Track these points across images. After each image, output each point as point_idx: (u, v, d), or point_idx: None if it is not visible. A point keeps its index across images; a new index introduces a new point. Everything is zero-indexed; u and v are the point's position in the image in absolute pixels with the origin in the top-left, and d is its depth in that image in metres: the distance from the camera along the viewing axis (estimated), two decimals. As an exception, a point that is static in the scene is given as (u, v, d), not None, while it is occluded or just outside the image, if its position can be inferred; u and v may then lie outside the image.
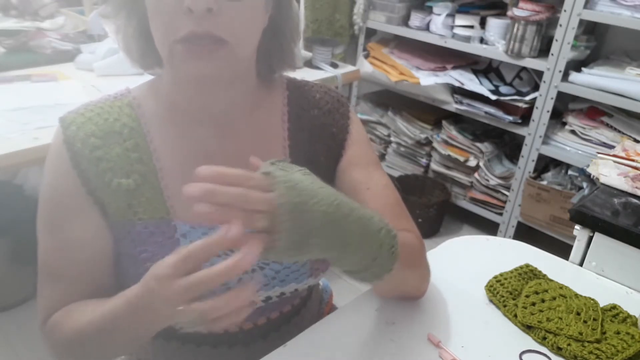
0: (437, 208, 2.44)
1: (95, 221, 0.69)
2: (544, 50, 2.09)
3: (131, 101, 0.73)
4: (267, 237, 0.52)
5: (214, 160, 0.72)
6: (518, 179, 2.25)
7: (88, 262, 0.70)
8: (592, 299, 0.83)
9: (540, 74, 2.10)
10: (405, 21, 2.50)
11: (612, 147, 1.90)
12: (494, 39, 2.20)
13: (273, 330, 0.79)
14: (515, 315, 0.81)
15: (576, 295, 0.85)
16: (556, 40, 1.99)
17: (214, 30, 0.60)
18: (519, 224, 2.30)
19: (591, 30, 2.13)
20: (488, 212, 2.43)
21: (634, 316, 0.82)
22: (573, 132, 2.11)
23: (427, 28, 2.41)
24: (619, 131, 1.98)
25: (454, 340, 0.76)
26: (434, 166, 2.56)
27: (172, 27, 0.61)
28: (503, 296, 0.84)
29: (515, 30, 2.06)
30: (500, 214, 2.37)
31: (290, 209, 0.52)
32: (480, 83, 2.30)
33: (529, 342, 0.78)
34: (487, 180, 2.36)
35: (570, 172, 2.10)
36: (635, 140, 1.84)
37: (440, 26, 2.32)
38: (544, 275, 0.90)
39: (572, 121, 2.09)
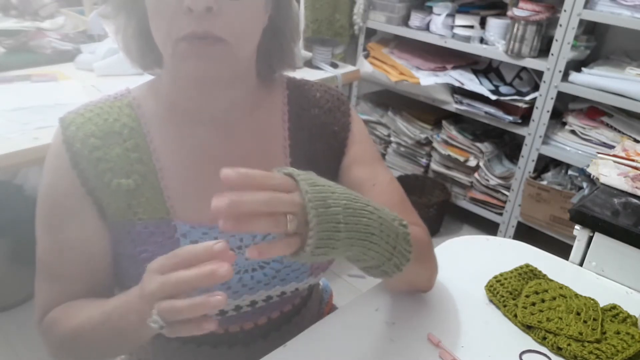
0: (437, 208, 2.44)
1: (93, 221, 0.69)
2: (544, 50, 2.09)
3: (131, 101, 0.73)
4: (296, 239, 0.52)
5: (214, 160, 0.73)
6: (518, 179, 2.25)
7: (86, 261, 0.70)
8: (592, 299, 0.83)
9: (540, 74, 2.10)
10: (405, 21, 2.50)
11: (612, 147, 1.90)
12: (494, 39, 2.20)
13: (273, 330, 0.79)
14: (515, 315, 0.81)
15: (576, 295, 0.85)
16: (556, 40, 1.99)
17: (213, 30, 0.60)
18: (519, 224, 2.30)
19: (591, 30, 2.13)
20: (488, 212, 2.43)
21: (634, 316, 0.82)
22: (573, 132, 2.11)
23: (427, 28, 2.41)
24: (619, 131, 1.98)
25: (454, 340, 0.76)
26: (434, 166, 2.56)
27: (172, 27, 0.61)
28: (503, 296, 0.84)
29: (515, 30, 2.06)
30: (500, 214, 2.37)
31: (317, 205, 0.53)
32: (480, 83, 2.30)
33: (529, 342, 0.78)
34: (487, 180, 2.36)
35: (570, 172, 2.10)
36: (635, 140, 1.84)
37: (440, 26, 2.32)
38: (544, 275, 0.90)
39: (572, 121, 2.09)
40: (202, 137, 0.72)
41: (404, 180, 2.58)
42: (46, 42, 1.77)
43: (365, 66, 2.54)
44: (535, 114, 2.13)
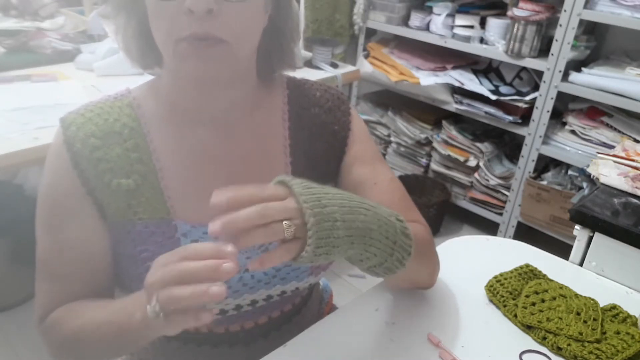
0: (437, 208, 2.44)
1: (93, 221, 0.69)
2: (544, 50, 2.09)
3: (131, 101, 0.73)
4: (295, 243, 0.53)
5: (215, 160, 0.73)
6: (518, 179, 2.25)
7: (86, 261, 0.70)
8: (592, 299, 0.83)
9: (540, 74, 2.10)
10: (405, 21, 2.50)
11: (612, 147, 1.90)
12: (494, 39, 2.20)
13: (274, 329, 0.79)
14: (515, 315, 0.81)
15: (576, 295, 0.85)
16: (556, 40, 1.99)
17: (214, 31, 0.60)
18: (519, 224, 2.30)
19: (591, 30, 2.13)
20: (488, 212, 2.43)
21: (634, 316, 0.82)
22: (573, 132, 2.10)
23: (427, 28, 2.41)
24: (619, 131, 1.98)
25: (454, 340, 0.76)
26: (434, 166, 2.56)
27: (172, 27, 0.61)
28: (503, 296, 0.84)
29: (515, 30, 2.06)
30: (500, 214, 2.37)
31: (313, 205, 0.53)
32: (480, 83, 2.30)
33: (529, 342, 0.78)
34: (487, 180, 2.36)
35: (570, 172, 2.10)
36: (635, 140, 1.84)
37: (440, 26, 2.32)
38: (544, 275, 0.90)
39: (572, 121, 2.09)
40: (202, 136, 0.72)
41: (404, 180, 2.57)
42: (46, 42, 1.77)
43: (365, 66, 2.54)
44: (535, 114, 2.13)
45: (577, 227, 1.07)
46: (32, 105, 1.37)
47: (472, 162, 2.39)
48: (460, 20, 2.27)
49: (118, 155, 0.69)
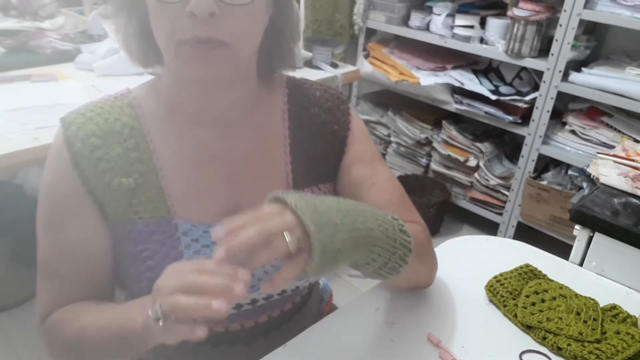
0: (437, 208, 2.44)
1: (94, 221, 0.69)
2: (544, 50, 2.09)
3: (131, 101, 0.73)
4: (301, 256, 0.53)
5: (215, 159, 0.73)
6: (518, 179, 2.25)
7: (86, 262, 0.70)
8: (592, 299, 0.83)
9: (540, 74, 2.10)
10: (405, 21, 2.50)
11: (612, 147, 1.90)
12: (494, 39, 2.20)
13: (274, 329, 0.79)
14: (515, 315, 0.81)
15: (576, 295, 0.85)
16: (556, 40, 1.99)
17: (216, 34, 0.60)
18: (519, 224, 2.30)
19: (591, 30, 2.12)
20: (488, 212, 2.43)
21: (634, 316, 0.82)
22: (573, 132, 2.10)
23: (427, 28, 2.41)
24: (619, 131, 1.98)
25: (454, 340, 0.76)
26: (434, 166, 2.56)
27: (174, 29, 0.61)
28: (503, 296, 0.84)
29: (515, 30, 2.06)
30: (500, 214, 2.37)
31: (311, 213, 0.53)
32: (480, 83, 2.30)
33: (529, 342, 0.78)
34: (487, 180, 2.36)
35: (570, 172, 2.10)
36: (635, 140, 1.84)
37: (440, 26, 2.32)
38: (544, 275, 0.90)
39: (572, 121, 2.09)
40: (202, 136, 0.72)
41: (404, 180, 2.58)
42: (46, 42, 1.77)
43: (365, 66, 2.53)
44: (535, 114, 2.13)
45: (577, 227, 1.07)
46: (32, 105, 1.37)
47: (472, 162, 2.39)
48: (460, 20, 2.27)
49: (118, 155, 0.69)
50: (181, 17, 0.60)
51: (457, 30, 2.29)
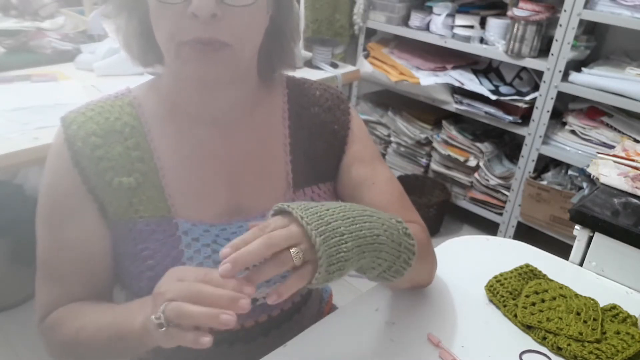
0: (437, 208, 2.44)
1: (94, 221, 0.69)
2: (544, 50, 2.09)
3: (132, 100, 0.73)
4: (307, 267, 0.53)
5: (215, 158, 0.73)
6: (518, 179, 2.25)
7: (86, 261, 0.70)
8: (592, 299, 0.83)
9: (540, 74, 2.10)
10: (405, 21, 2.50)
11: (612, 147, 1.90)
12: (494, 39, 2.20)
13: (274, 328, 0.79)
14: (515, 315, 0.81)
15: (576, 295, 0.85)
16: (556, 40, 1.99)
17: (218, 35, 0.61)
18: (519, 224, 2.30)
19: (591, 30, 2.13)
20: (488, 212, 2.43)
21: (634, 316, 0.82)
22: (573, 132, 2.10)
23: (427, 28, 2.41)
24: (619, 131, 1.98)
25: (454, 340, 0.76)
26: (434, 166, 2.56)
27: (175, 30, 0.61)
28: (503, 296, 0.84)
29: (515, 30, 2.06)
30: (500, 214, 2.37)
31: (317, 225, 0.54)
32: (480, 83, 2.30)
33: (529, 342, 0.78)
34: (487, 180, 2.36)
35: (570, 172, 2.10)
36: (635, 140, 1.84)
37: (440, 26, 2.32)
38: (544, 275, 0.90)
39: (572, 121, 2.09)
40: (202, 135, 0.73)
41: (404, 180, 2.58)
42: (46, 42, 1.77)
43: (365, 66, 2.53)
44: (535, 114, 2.13)
45: (577, 227, 1.07)
46: (32, 105, 1.37)
47: (472, 162, 2.39)
48: (460, 20, 2.27)
49: (119, 154, 0.69)
50: (183, 18, 0.60)
51: (457, 30, 2.29)
